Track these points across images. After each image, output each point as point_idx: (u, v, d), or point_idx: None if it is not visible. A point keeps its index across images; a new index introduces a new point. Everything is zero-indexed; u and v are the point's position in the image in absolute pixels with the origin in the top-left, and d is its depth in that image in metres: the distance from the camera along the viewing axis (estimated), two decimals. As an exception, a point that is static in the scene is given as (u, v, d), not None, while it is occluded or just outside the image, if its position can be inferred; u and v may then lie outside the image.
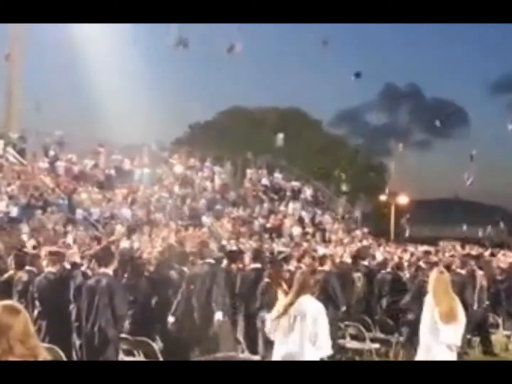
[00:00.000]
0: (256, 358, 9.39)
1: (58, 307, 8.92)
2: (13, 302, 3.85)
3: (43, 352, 3.64)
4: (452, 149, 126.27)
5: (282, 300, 6.93)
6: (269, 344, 7.29)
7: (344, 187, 38.27)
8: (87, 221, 22.07)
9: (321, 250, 17.86)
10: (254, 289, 9.98)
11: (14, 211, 20.69)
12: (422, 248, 22.52)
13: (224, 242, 19.94)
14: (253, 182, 32.33)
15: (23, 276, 9.52)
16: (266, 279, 9.81)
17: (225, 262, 10.93)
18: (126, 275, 9.92)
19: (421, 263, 13.67)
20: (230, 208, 28.32)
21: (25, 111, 29.64)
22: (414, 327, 9.37)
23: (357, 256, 14.38)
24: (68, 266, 9.74)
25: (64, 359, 7.44)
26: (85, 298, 8.09)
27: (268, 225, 27.44)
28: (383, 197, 48.94)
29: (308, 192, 33.55)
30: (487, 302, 13.20)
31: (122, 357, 8.69)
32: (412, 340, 9.65)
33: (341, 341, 11.14)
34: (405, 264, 14.56)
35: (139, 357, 8.89)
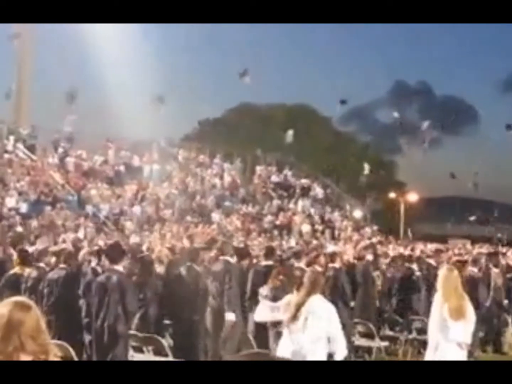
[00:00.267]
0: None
1: (68, 303, 8.95)
2: (24, 298, 3.84)
3: (54, 348, 3.62)
4: (461, 146, 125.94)
5: (291, 297, 6.93)
6: (279, 341, 7.27)
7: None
8: (96, 217, 22.13)
9: (331, 247, 17.78)
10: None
11: (24, 207, 20.78)
12: (432, 245, 22.45)
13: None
14: (262, 179, 32.30)
15: (32, 272, 9.55)
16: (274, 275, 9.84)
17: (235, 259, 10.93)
18: (136, 272, 9.93)
19: (431, 261, 13.63)
20: (239, 205, 28.34)
21: (35, 108, 29.75)
22: (423, 325, 9.34)
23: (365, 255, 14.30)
24: (78, 262, 9.75)
25: (74, 355, 7.43)
26: (96, 295, 8.09)
27: (278, 222, 27.43)
28: (392, 195, 48.90)
29: (317, 190, 33.48)
30: (505, 301, 13.16)
31: (131, 354, 8.71)
32: (421, 338, 9.62)
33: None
34: (415, 262, 14.48)
35: (148, 354, 8.91)
